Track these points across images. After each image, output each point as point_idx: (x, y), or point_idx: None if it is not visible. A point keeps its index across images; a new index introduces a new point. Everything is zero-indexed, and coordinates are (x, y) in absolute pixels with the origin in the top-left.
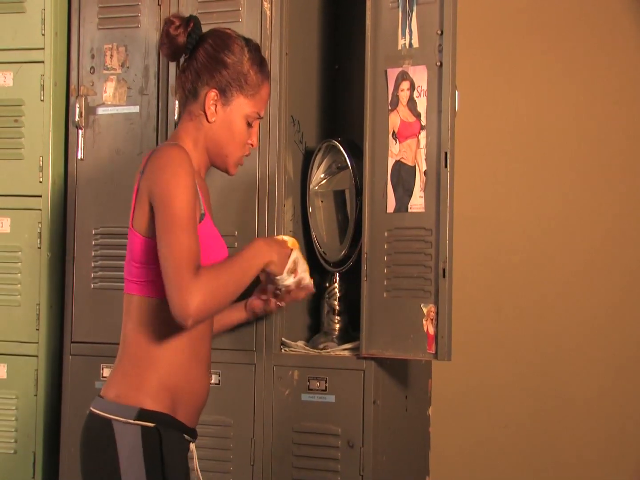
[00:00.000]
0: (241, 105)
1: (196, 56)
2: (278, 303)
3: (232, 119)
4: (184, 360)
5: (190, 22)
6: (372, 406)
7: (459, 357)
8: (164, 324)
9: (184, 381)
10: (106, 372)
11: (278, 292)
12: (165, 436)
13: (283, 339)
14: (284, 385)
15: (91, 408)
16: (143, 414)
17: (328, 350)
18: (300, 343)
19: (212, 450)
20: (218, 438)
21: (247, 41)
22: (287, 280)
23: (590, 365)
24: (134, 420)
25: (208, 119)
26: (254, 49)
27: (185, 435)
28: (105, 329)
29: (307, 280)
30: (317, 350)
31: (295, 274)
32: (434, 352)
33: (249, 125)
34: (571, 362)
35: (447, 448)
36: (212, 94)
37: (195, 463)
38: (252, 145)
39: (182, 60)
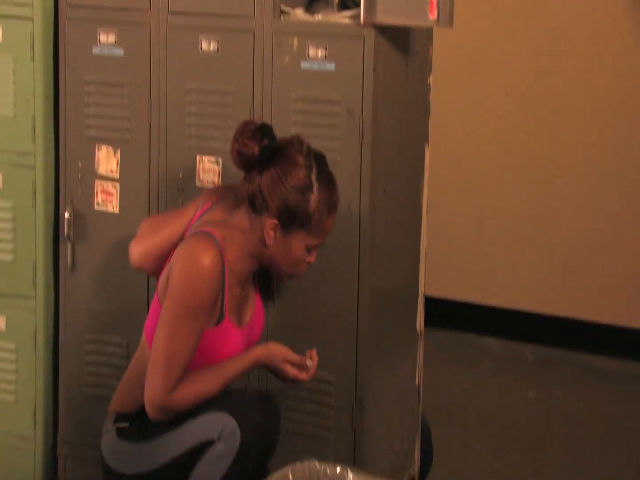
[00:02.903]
0: (302, 239)
1: (263, 178)
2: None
3: (292, 246)
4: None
5: (264, 139)
6: (372, 74)
7: (460, 25)
8: None
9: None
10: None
11: None
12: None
13: (282, 6)
14: (284, 52)
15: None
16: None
17: (328, 17)
18: (299, 10)
19: None
20: None
21: (319, 168)
22: None
23: None
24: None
25: (266, 242)
26: (324, 181)
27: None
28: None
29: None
30: (316, 18)
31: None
32: (435, 18)
33: (309, 251)
34: None
35: (447, 114)
36: (272, 223)
37: None
38: (309, 263)
39: None
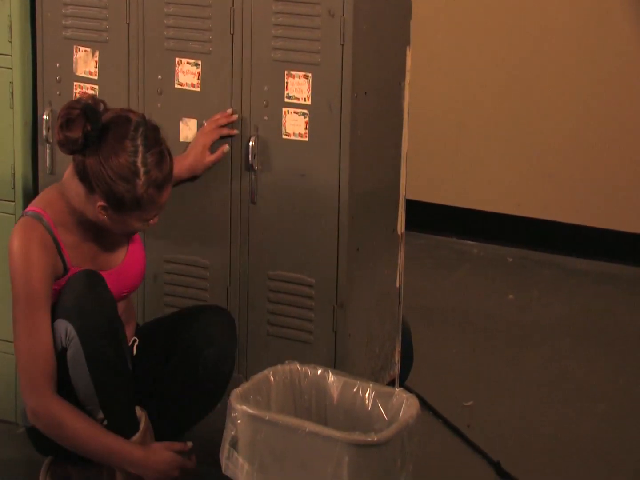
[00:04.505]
0: (136, 217)
1: (89, 162)
2: None
3: (127, 223)
4: None
5: (87, 124)
6: None
7: None
8: None
9: None
10: None
11: None
12: None
13: None
14: None
15: None
16: None
17: None
18: None
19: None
20: None
21: (146, 149)
22: None
23: None
24: None
25: (99, 218)
26: (152, 162)
27: None
28: None
29: None
30: None
31: None
32: None
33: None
34: None
35: (429, 16)
36: (101, 205)
37: None
38: (152, 223)
39: None
